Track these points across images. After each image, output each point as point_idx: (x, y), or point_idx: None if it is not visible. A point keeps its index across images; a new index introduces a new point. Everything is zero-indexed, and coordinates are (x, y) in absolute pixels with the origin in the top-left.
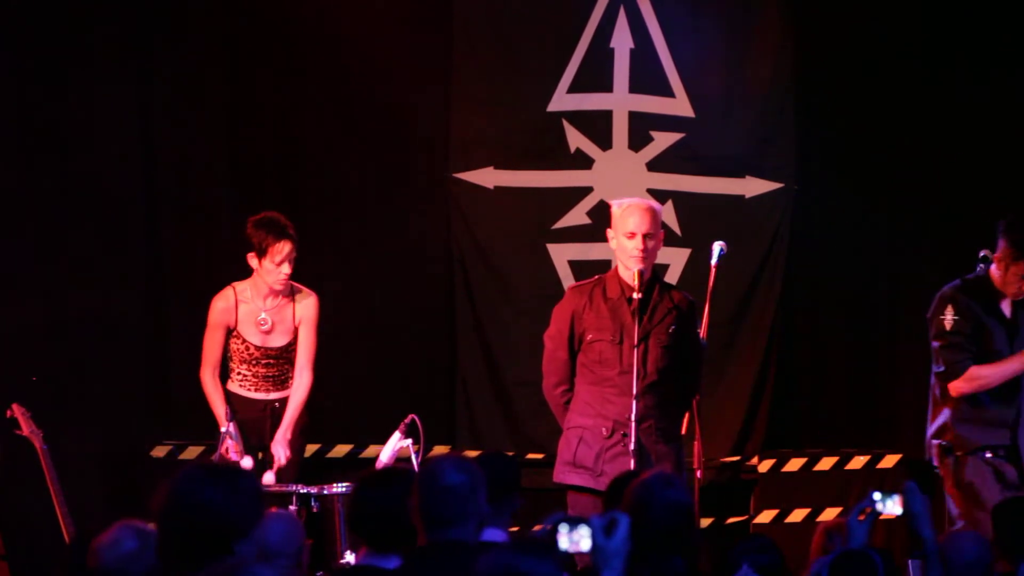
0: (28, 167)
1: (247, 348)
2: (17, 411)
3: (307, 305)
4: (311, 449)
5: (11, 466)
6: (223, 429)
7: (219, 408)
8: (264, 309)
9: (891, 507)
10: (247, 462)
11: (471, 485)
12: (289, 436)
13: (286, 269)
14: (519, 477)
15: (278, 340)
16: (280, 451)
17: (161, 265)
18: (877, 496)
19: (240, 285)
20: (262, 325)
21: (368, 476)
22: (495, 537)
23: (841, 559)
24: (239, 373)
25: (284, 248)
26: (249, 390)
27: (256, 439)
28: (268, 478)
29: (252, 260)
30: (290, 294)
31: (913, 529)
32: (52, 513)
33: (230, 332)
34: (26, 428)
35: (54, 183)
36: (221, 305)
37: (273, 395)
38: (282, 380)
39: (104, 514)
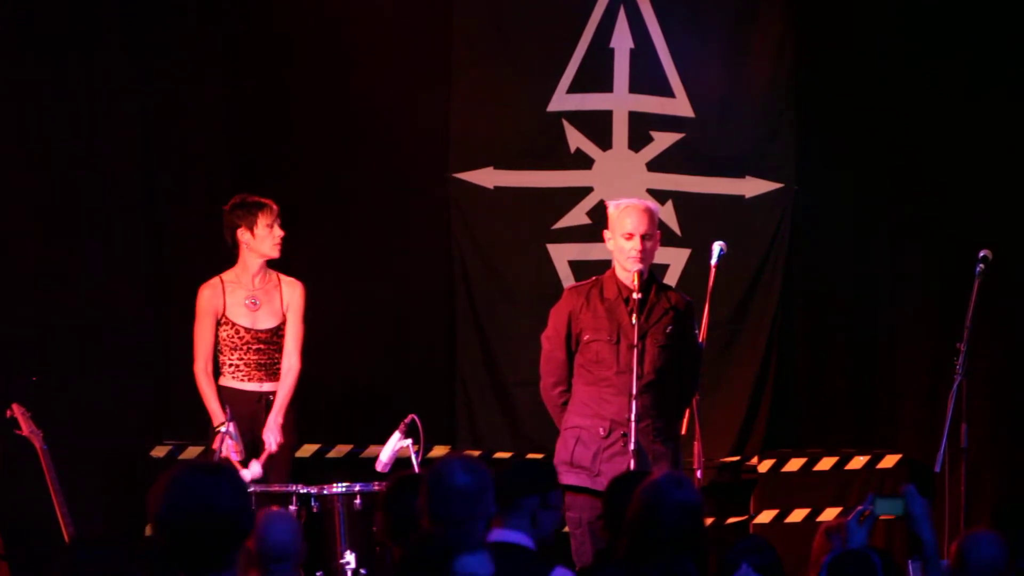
0: (28, 166)
1: (237, 332)
2: (17, 411)
3: (294, 291)
4: (310, 449)
5: (11, 466)
6: (223, 429)
7: (213, 403)
8: (252, 289)
9: (891, 509)
10: (256, 468)
11: (479, 486)
12: (280, 421)
13: (278, 231)
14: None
15: (266, 321)
16: (271, 437)
17: (161, 265)
18: (877, 501)
19: (228, 274)
20: (252, 307)
21: (396, 482)
22: (518, 540)
23: (840, 559)
24: (230, 364)
25: (272, 212)
26: (242, 380)
27: (251, 433)
28: (255, 468)
29: (244, 235)
30: (276, 279)
31: (913, 531)
32: (52, 513)
33: (219, 323)
34: (26, 428)
35: (54, 182)
36: (208, 292)
37: (266, 386)
38: (273, 370)
39: (104, 514)
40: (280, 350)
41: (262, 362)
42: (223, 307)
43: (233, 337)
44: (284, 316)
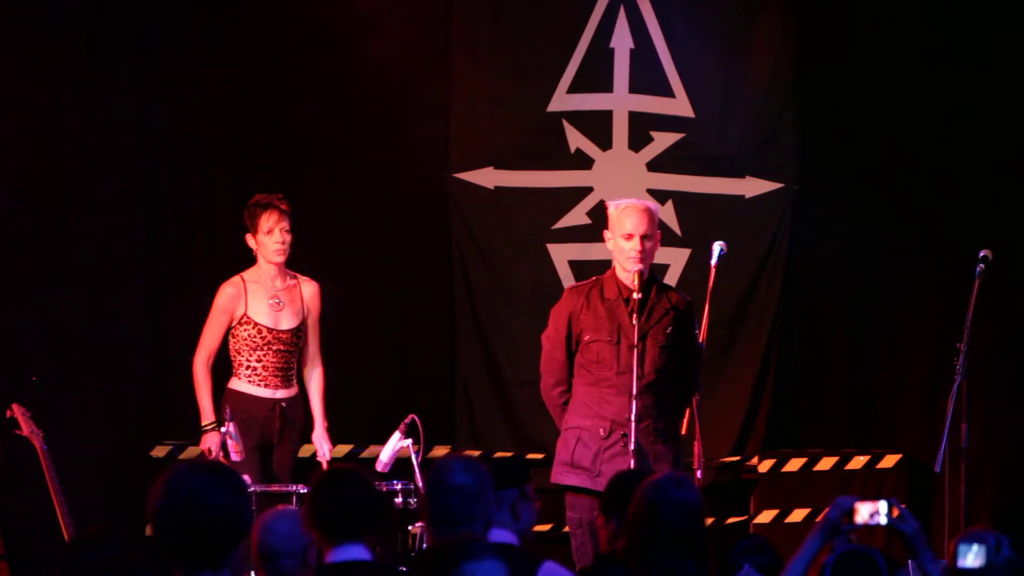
0: (28, 166)
1: (259, 332)
2: (17, 411)
3: (313, 291)
4: (310, 449)
5: (11, 466)
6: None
7: (205, 401)
8: (275, 290)
9: (881, 520)
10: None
11: (478, 485)
12: (326, 424)
13: (278, 236)
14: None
15: (288, 321)
16: (325, 447)
17: (161, 265)
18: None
19: (248, 273)
20: (276, 307)
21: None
22: (505, 538)
23: (844, 558)
24: (248, 366)
25: (272, 216)
26: (258, 385)
27: (261, 439)
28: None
29: (250, 241)
30: (296, 280)
31: (911, 548)
32: (52, 513)
33: (235, 322)
34: (26, 428)
35: (53, 183)
36: (230, 291)
37: (280, 393)
38: (288, 376)
39: (104, 514)
40: (296, 355)
41: (280, 367)
42: (245, 307)
43: (255, 337)
44: (304, 317)
